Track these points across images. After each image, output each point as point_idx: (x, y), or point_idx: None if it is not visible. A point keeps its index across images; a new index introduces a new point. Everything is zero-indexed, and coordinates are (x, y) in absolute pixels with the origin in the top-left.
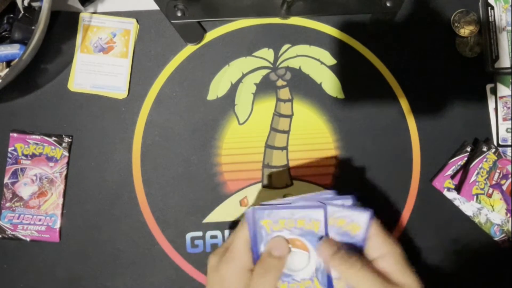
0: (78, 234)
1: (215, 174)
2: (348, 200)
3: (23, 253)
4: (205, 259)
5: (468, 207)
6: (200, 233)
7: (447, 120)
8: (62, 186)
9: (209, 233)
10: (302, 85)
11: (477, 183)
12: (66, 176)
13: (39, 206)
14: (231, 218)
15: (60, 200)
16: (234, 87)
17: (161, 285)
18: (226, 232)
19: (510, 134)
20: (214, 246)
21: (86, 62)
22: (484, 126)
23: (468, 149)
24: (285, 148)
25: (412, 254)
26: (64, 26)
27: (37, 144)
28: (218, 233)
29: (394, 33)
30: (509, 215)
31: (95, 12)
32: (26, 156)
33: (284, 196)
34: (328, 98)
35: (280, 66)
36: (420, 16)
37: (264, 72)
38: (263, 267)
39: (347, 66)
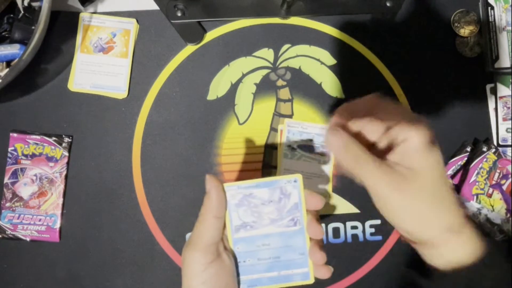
0: (78, 234)
1: (215, 174)
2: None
3: (23, 253)
4: None
5: (468, 207)
6: None
7: (447, 120)
8: (62, 186)
9: None
10: (302, 85)
11: (477, 183)
12: (66, 176)
13: (39, 206)
14: None
15: (60, 200)
16: (234, 87)
17: (161, 285)
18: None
19: (510, 134)
20: None
21: (86, 62)
22: (484, 126)
23: (468, 149)
24: None
25: (412, 254)
26: (64, 26)
27: (37, 144)
28: None
29: (394, 33)
30: (509, 215)
31: (95, 12)
32: (26, 156)
33: None
34: (328, 98)
35: (280, 66)
36: (420, 16)
37: (264, 72)
38: (201, 209)
39: (347, 66)
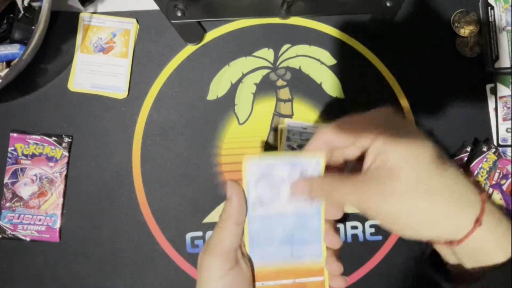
0: (78, 234)
1: (215, 174)
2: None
3: (23, 253)
4: None
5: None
6: (200, 233)
7: (447, 120)
8: (62, 186)
9: (209, 233)
10: (302, 85)
11: None
12: (66, 176)
13: (39, 206)
14: None
15: (60, 200)
16: (234, 87)
17: (161, 285)
18: None
19: (510, 134)
20: None
21: (86, 62)
22: (484, 126)
23: (468, 149)
24: None
25: (412, 252)
26: (64, 26)
27: (37, 144)
28: None
29: (394, 33)
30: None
31: (95, 12)
32: (26, 156)
33: None
34: (328, 98)
35: (280, 66)
36: (420, 16)
37: (264, 72)
38: (222, 215)
39: (347, 66)
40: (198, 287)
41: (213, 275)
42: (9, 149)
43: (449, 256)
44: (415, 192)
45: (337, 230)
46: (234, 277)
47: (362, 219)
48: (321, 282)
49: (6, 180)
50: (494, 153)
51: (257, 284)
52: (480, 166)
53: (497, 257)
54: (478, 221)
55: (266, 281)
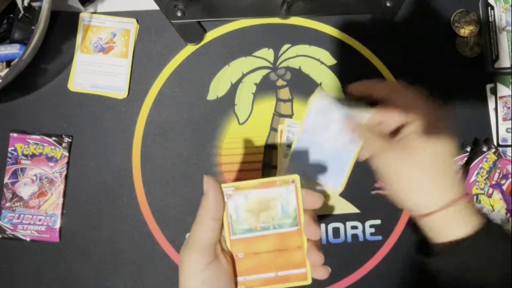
0: (78, 234)
1: (215, 174)
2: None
3: (23, 253)
4: None
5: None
6: None
7: (447, 120)
8: (62, 186)
9: None
10: (302, 85)
11: (477, 183)
12: (66, 176)
13: (39, 206)
14: None
15: (60, 200)
16: (234, 87)
17: (161, 285)
18: None
19: (510, 134)
20: None
21: (86, 62)
22: (484, 126)
23: (468, 149)
24: None
25: (411, 252)
26: (64, 26)
27: (37, 144)
28: None
29: (394, 33)
30: (509, 215)
31: (95, 12)
32: (26, 156)
33: None
34: None
35: (280, 66)
36: (420, 16)
37: (264, 72)
38: (199, 210)
39: (347, 66)
40: (180, 283)
41: (192, 270)
42: (9, 149)
43: (429, 233)
44: (425, 166)
45: (316, 221)
46: (214, 272)
47: (362, 219)
48: (304, 274)
49: (6, 180)
50: (494, 153)
51: (239, 279)
52: (480, 166)
53: (459, 234)
54: (455, 201)
55: (248, 275)
